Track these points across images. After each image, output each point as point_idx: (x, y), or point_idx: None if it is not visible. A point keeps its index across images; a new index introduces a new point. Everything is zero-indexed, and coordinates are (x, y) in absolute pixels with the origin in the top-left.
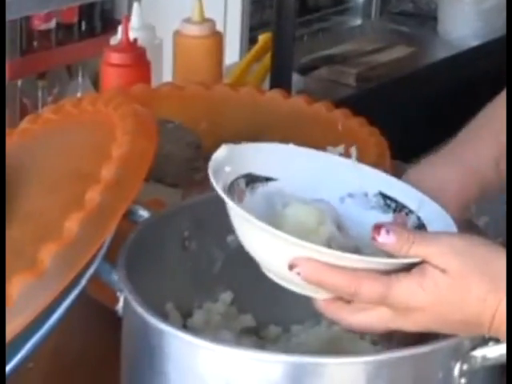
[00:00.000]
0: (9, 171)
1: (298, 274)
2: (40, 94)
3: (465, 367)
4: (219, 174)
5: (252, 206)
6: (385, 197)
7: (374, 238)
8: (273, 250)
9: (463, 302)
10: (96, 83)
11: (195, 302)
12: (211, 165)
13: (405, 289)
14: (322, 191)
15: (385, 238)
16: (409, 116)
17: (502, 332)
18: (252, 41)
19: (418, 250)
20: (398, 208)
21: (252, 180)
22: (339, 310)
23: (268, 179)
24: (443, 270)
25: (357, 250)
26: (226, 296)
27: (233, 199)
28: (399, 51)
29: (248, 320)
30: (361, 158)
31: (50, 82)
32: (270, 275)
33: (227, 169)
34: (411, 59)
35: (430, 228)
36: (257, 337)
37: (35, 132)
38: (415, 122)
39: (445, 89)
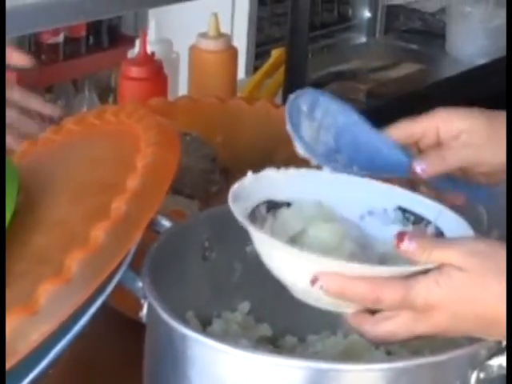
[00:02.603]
0: (33, 180)
1: (321, 287)
2: None
3: (481, 376)
4: (239, 201)
5: (274, 230)
6: (404, 211)
7: (397, 246)
8: (295, 269)
9: (480, 298)
10: (102, 97)
11: (214, 311)
12: (232, 192)
13: (423, 287)
14: (342, 211)
15: (407, 245)
16: None
17: None
18: (257, 57)
19: (438, 254)
20: (417, 220)
21: (273, 206)
22: (363, 322)
23: (289, 204)
24: (462, 269)
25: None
26: (244, 306)
27: (255, 224)
28: (408, 68)
29: (265, 329)
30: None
31: (57, 95)
32: (299, 296)
33: (248, 196)
34: (420, 76)
35: (448, 236)
36: (273, 346)
37: (58, 142)
38: None
39: (453, 106)
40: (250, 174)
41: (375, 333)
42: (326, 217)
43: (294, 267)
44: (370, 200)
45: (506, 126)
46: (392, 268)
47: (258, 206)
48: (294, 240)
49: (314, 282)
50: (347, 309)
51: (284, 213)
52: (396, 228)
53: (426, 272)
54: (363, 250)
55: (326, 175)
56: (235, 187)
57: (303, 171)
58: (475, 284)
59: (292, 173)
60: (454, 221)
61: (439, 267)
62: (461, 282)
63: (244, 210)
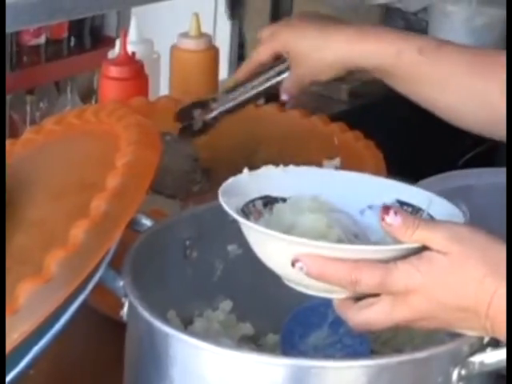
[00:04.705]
0: (13, 180)
1: (301, 268)
2: (28, 109)
3: (463, 372)
4: (229, 196)
5: (270, 224)
6: (401, 203)
7: (382, 219)
8: (279, 254)
9: (459, 284)
10: (84, 99)
11: (196, 310)
12: (223, 186)
13: (402, 272)
14: (342, 207)
15: (392, 219)
16: (400, 131)
17: (498, 324)
18: (241, 58)
19: (421, 233)
20: (414, 211)
21: (270, 201)
22: (347, 309)
23: (285, 199)
24: (443, 253)
25: None
26: (226, 304)
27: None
28: None
29: (247, 328)
30: (357, 172)
31: (39, 97)
32: (291, 284)
33: (242, 191)
34: None
35: None
36: (255, 345)
37: (38, 142)
38: (406, 137)
39: None
40: (245, 170)
41: (356, 320)
42: (320, 209)
43: (276, 251)
44: (369, 195)
45: (506, 125)
46: (363, 246)
47: (253, 201)
48: (288, 232)
49: (294, 263)
50: (334, 295)
51: (280, 207)
52: None
53: (406, 256)
54: (354, 238)
55: (326, 172)
56: (228, 182)
57: (303, 168)
58: (455, 270)
59: (291, 170)
60: (444, 207)
61: (419, 252)
62: (441, 267)
63: (236, 206)
